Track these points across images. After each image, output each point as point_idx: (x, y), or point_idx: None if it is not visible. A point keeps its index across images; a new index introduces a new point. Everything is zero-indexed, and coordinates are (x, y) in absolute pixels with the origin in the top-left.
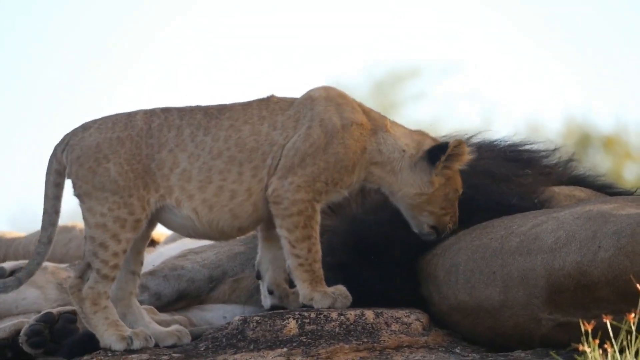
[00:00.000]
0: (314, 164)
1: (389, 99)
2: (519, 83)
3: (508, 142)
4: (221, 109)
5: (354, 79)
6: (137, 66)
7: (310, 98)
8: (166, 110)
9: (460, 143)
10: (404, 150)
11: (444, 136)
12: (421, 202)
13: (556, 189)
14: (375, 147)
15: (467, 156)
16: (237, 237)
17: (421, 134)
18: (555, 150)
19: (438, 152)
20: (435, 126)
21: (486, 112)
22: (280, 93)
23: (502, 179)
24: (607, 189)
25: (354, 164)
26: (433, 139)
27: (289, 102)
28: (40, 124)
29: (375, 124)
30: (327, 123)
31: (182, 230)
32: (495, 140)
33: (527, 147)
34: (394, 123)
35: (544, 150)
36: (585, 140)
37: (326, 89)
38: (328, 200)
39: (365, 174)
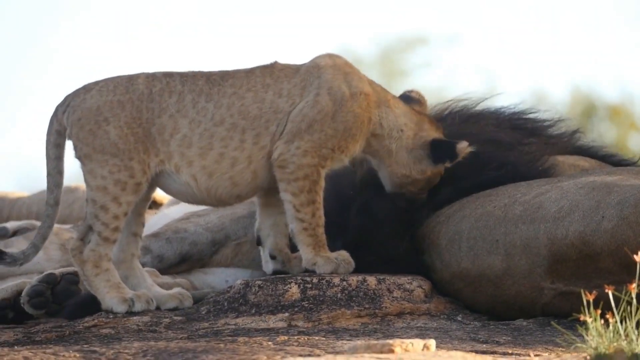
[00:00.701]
0: (321, 131)
1: (396, 67)
2: (525, 53)
3: (513, 110)
4: (224, 76)
5: (362, 47)
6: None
7: (317, 66)
8: (168, 75)
9: (467, 147)
10: (402, 130)
11: (449, 101)
12: (405, 182)
13: (560, 158)
14: (377, 120)
15: (466, 154)
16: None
17: (419, 113)
18: (560, 120)
19: (444, 153)
20: (441, 94)
21: (492, 81)
22: (288, 59)
23: (507, 147)
24: (610, 159)
25: (361, 132)
26: (430, 121)
27: (294, 70)
28: (47, 85)
29: (379, 97)
30: (336, 91)
31: (180, 195)
32: (501, 108)
33: (532, 115)
34: (394, 98)
35: (549, 120)
36: (590, 110)
37: (332, 57)
38: (331, 167)
39: (364, 144)
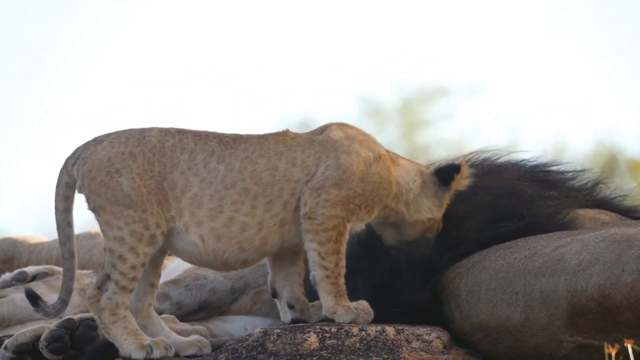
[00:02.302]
0: (349, 189)
1: (417, 118)
2: (546, 104)
3: (534, 163)
4: (236, 139)
5: (383, 97)
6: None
7: (330, 141)
8: (181, 132)
9: (466, 162)
10: (415, 181)
11: (470, 153)
12: (427, 228)
13: (581, 211)
14: (395, 180)
15: (470, 177)
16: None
17: (414, 162)
18: (581, 172)
19: (450, 172)
20: (461, 145)
21: (513, 132)
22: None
23: (528, 200)
24: (632, 213)
25: (388, 194)
26: (422, 165)
27: (307, 139)
28: (64, 131)
29: (390, 156)
30: (358, 154)
31: (185, 255)
32: (522, 161)
33: (553, 168)
34: (396, 155)
35: (570, 172)
36: (611, 162)
37: (343, 128)
38: (352, 227)
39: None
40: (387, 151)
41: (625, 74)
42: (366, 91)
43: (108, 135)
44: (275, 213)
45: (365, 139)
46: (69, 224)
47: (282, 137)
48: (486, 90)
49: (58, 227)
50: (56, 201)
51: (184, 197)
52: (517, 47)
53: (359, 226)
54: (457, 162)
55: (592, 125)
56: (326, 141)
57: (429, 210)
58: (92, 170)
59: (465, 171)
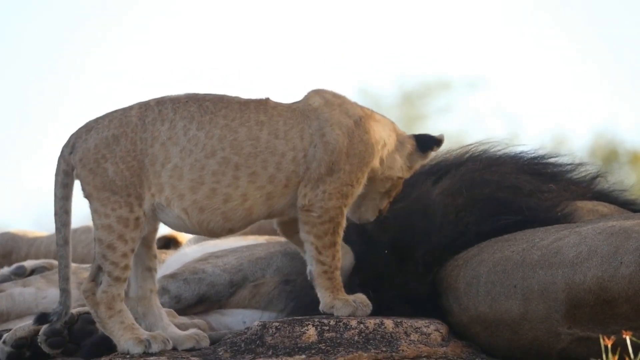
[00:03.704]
0: (340, 170)
1: (417, 111)
2: (546, 98)
3: (533, 155)
4: (217, 103)
5: (384, 90)
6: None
7: (311, 109)
8: (160, 103)
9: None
10: (389, 136)
11: (468, 145)
12: (395, 186)
13: (579, 203)
14: (374, 139)
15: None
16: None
17: (386, 117)
18: (580, 164)
19: (430, 143)
20: (460, 139)
21: (512, 126)
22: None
23: (527, 193)
24: (631, 205)
25: (372, 156)
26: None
27: (287, 109)
28: (64, 125)
29: (365, 113)
30: (340, 126)
31: (174, 227)
32: (520, 153)
33: (552, 160)
34: (371, 110)
35: (569, 164)
36: (611, 155)
37: (321, 94)
38: (349, 204)
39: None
40: (362, 108)
41: (624, 66)
42: (366, 84)
43: (97, 120)
44: (261, 185)
45: (342, 102)
46: (66, 212)
47: (263, 106)
48: (486, 84)
49: (55, 214)
50: (55, 189)
51: (164, 170)
52: (516, 41)
53: (352, 200)
54: (437, 136)
55: (591, 118)
56: (306, 110)
57: (400, 169)
58: (82, 159)
59: (441, 146)
